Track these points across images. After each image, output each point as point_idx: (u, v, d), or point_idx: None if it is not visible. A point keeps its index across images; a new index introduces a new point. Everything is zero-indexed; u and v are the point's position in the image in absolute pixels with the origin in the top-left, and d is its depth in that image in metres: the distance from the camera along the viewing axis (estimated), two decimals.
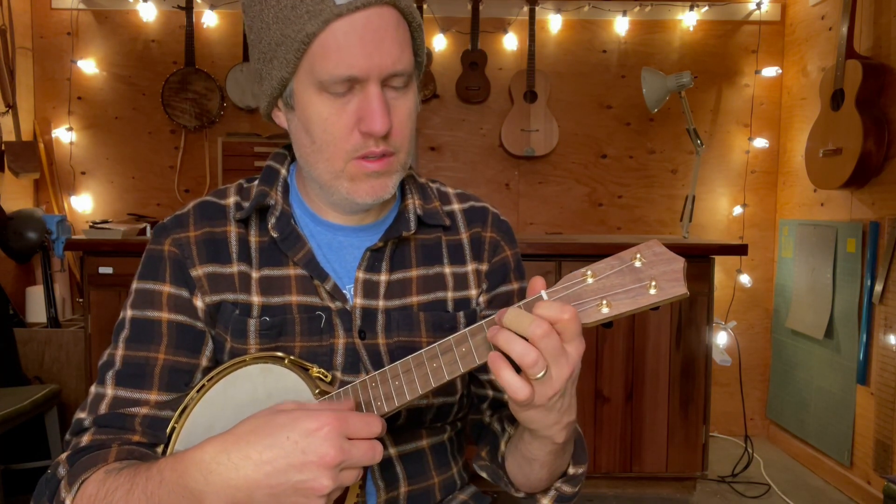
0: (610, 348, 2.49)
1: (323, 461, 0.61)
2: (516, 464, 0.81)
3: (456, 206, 0.96)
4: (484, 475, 0.90)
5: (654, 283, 0.63)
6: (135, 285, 0.85)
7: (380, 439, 0.66)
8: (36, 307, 2.93)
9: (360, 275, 0.86)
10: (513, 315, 0.63)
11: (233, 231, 0.87)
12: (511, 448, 0.83)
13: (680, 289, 0.63)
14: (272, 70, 0.77)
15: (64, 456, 0.76)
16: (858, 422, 2.57)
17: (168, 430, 0.77)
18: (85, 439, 0.77)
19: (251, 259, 0.86)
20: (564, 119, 3.24)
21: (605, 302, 0.64)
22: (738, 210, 3.28)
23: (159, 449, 0.79)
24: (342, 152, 0.78)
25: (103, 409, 0.79)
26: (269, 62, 0.77)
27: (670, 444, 2.50)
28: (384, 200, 0.83)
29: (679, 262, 0.64)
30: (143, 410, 0.79)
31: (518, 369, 0.63)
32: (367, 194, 0.80)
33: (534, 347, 0.61)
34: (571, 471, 0.81)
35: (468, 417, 0.98)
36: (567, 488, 0.81)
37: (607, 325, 2.48)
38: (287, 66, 0.76)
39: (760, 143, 3.24)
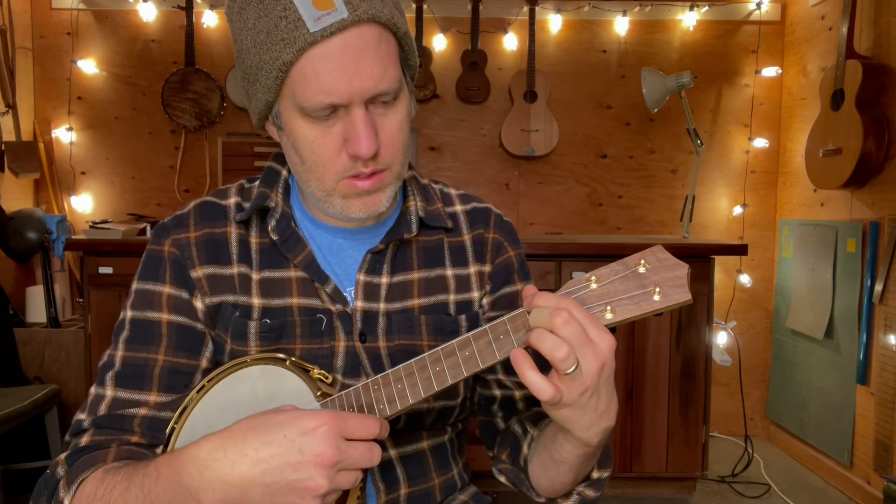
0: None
1: (319, 460, 0.61)
2: (542, 466, 0.79)
3: (458, 208, 0.95)
4: (503, 479, 0.89)
5: (658, 290, 0.63)
6: (135, 286, 0.85)
7: (380, 441, 0.66)
8: (36, 307, 2.93)
9: (361, 277, 0.85)
10: (535, 313, 0.63)
11: (233, 232, 0.86)
12: (538, 450, 0.81)
13: (684, 295, 0.63)
14: (257, 92, 0.76)
15: (63, 456, 0.76)
16: (858, 422, 2.57)
17: (168, 431, 0.77)
18: (84, 440, 0.77)
19: (251, 260, 0.85)
20: (564, 119, 3.24)
21: (609, 308, 0.64)
22: (738, 210, 3.28)
23: (158, 450, 0.79)
24: (332, 173, 0.76)
25: (102, 410, 0.79)
26: (252, 84, 0.76)
27: (670, 444, 2.50)
28: (381, 212, 0.82)
29: (683, 269, 0.64)
30: (143, 411, 0.79)
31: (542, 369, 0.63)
32: (360, 210, 0.79)
33: (564, 342, 0.61)
34: (596, 475, 0.79)
35: (479, 420, 0.96)
36: (590, 492, 0.80)
37: (611, 330, 2.48)
38: (269, 91, 0.74)
39: (760, 143, 3.24)
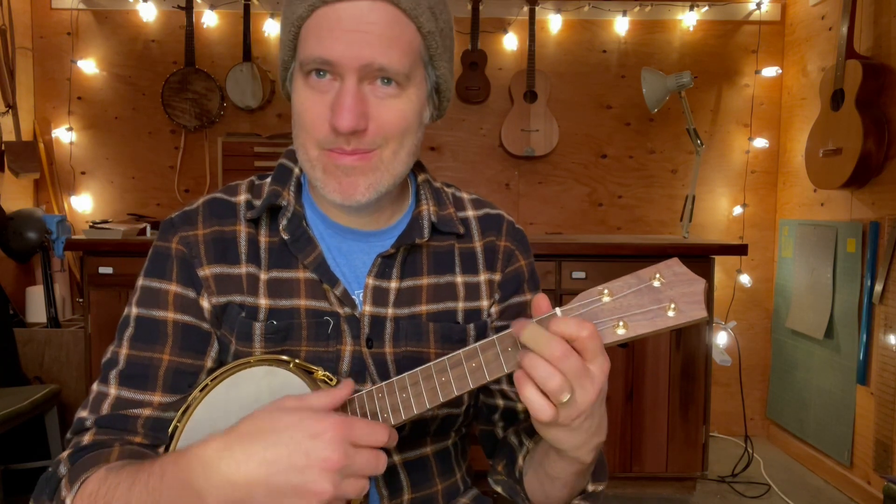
0: (610, 348, 2.49)
1: (325, 465, 0.60)
2: (537, 480, 0.79)
3: (471, 213, 0.93)
4: (499, 489, 0.88)
5: (673, 305, 0.61)
6: (141, 282, 0.83)
7: (386, 450, 0.65)
8: (36, 307, 2.93)
9: (371, 281, 0.84)
10: (531, 333, 0.61)
11: (243, 231, 0.85)
12: (532, 464, 0.80)
13: (700, 312, 0.61)
14: (281, 52, 0.80)
15: (65, 454, 0.76)
16: (858, 422, 2.57)
17: (170, 429, 0.77)
18: (86, 439, 0.77)
19: (260, 260, 0.84)
20: (564, 119, 3.24)
21: (621, 323, 0.62)
22: (738, 210, 3.28)
23: (161, 450, 0.79)
24: (314, 140, 0.76)
25: (105, 409, 0.78)
26: (280, 47, 0.80)
27: (670, 444, 2.50)
28: (361, 203, 0.77)
29: (700, 284, 0.62)
30: (146, 412, 0.78)
31: None
32: (336, 192, 0.77)
33: (557, 372, 0.59)
34: (591, 488, 0.78)
35: (479, 428, 0.96)
36: None
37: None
38: (286, 48, 0.78)
39: (760, 143, 3.24)
